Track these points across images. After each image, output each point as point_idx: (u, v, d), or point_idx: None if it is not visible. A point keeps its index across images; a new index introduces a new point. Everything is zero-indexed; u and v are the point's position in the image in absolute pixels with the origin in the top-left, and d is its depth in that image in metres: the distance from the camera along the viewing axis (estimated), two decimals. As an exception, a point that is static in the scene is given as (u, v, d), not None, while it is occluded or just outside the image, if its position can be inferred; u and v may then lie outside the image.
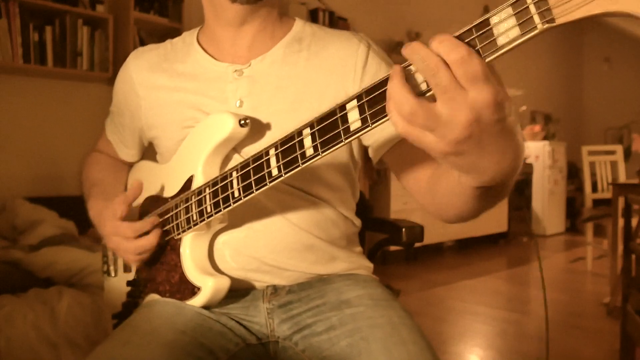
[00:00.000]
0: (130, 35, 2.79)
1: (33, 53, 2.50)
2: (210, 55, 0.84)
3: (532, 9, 0.44)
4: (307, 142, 0.59)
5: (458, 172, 0.53)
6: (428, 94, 0.47)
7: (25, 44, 2.48)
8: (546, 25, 0.44)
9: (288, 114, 0.78)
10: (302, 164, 0.60)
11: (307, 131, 0.59)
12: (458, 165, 0.51)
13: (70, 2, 2.61)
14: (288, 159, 0.61)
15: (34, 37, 2.51)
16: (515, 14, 0.45)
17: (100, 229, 0.82)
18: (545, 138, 6.14)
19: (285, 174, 0.62)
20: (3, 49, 2.40)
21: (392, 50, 4.82)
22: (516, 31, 0.45)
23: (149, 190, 0.86)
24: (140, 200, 0.87)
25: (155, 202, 0.84)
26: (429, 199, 0.72)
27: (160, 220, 0.80)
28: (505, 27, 0.45)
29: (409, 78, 0.48)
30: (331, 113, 0.56)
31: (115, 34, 2.78)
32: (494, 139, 0.47)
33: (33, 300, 1.49)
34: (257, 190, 0.66)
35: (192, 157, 0.78)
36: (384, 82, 0.51)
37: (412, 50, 0.45)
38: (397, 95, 0.46)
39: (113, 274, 0.93)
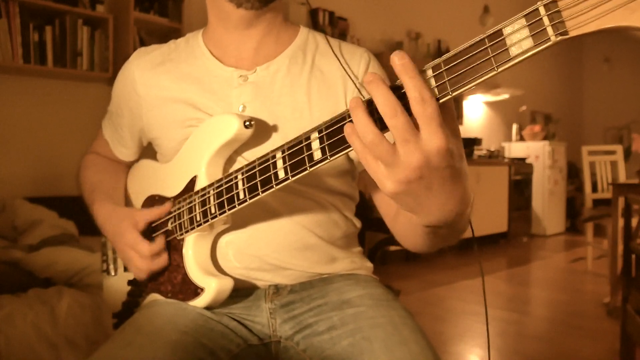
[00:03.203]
0: (130, 35, 2.79)
1: (33, 53, 2.50)
2: (215, 57, 0.84)
3: (546, 20, 0.44)
4: (315, 145, 0.59)
5: (407, 211, 0.56)
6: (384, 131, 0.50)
7: (25, 44, 2.48)
8: (559, 38, 0.44)
9: (289, 121, 0.79)
10: (310, 167, 0.59)
11: (315, 135, 0.59)
12: (406, 204, 0.54)
13: (70, 2, 2.61)
14: (295, 161, 0.61)
15: (34, 37, 2.51)
16: (528, 25, 0.45)
17: (113, 237, 0.82)
18: (545, 138, 6.14)
19: (293, 176, 0.61)
20: (3, 49, 2.39)
21: (393, 50, 4.81)
22: (529, 42, 0.45)
23: (151, 190, 0.86)
24: (141, 199, 0.87)
25: (157, 201, 0.84)
26: (392, 225, 0.78)
27: (164, 230, 0.81)
28: (518, 38, 0.45)
29: (372, 112, 0.50)
30: (340, 118, 0.57)
31: (115, 34, 2.78)
32: (442, 183, 0.50)
33: (33, 300, 1.49)
34: (262, 192, 0.65)
35: (196, 158, 0.78)
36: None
37: (375, 86, 0.48)
38: (361, 124, 0.49)
39: (113, 273, 0.93)
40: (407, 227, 0.70)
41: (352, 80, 0.80)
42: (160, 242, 0.78)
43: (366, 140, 0.49)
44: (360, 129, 0.49)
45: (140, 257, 0.78)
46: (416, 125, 0.48)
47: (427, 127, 0.47)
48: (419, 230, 0.61)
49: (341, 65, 0.81)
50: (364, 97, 0.53)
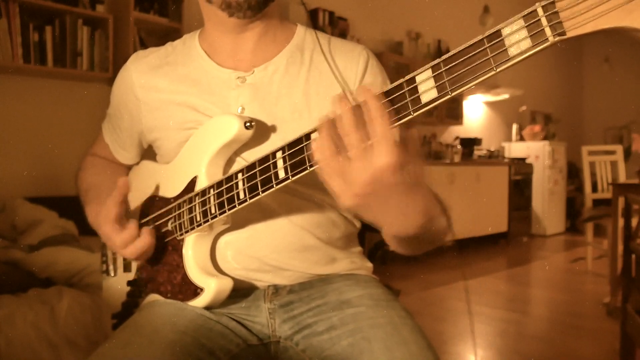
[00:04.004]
0: (130, 35, 2.79)
1: (33, 53, 2.50)
2: (212, 59, 0.84)
3: (544, 21, 0.45)
4: (315, 145, 0.59)
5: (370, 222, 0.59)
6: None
7: (25, 44, 2.48)
8: (557, 38, 0.44)
9: (288, 122, 0.79)
10: (310, 166, 0.60)
11: (315, 135, 0.59)
12: (365, 216, 0.56)
13: (70, 2, 2.61)
14: (295, 161, 0.61)
15: (34, 37, 2.51)
16: (527, 26, 0.46)
17: (99, 233, 0.82)
18: (545, 138, 6.15)
19: (293, 176, 0.62)
20: (3, 49, 2.40)
21: (393, 50, 4.82)
22: (527, 43, 0.45)
23: (151, 191, 0.86)
24: (140, 200, 0.87)
25: (157, 202, 0.84)
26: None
27: (149, 218, 0.81)
28: (516, 39, 0.46)
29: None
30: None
31: (115, 34, 2.78)
32: (396, 197, 0.53)
33: (33, 300, 1.49)
34: (263, 192, 0.65)
35: (196, 158, 0.78)
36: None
37: (340, 105, 0.52)
38: (321, 141, 0.53)
39: (112, 274, 0.93)
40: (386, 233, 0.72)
41: (340, 85, 0.80)
42: (131, 228, 0.76)
43: (323, 157, 0.53)
44: (319, 145, 0.53)
45: (117, 246, 0.77)
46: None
47: (379, 145, 0.49)
48: (390, 238, 0.64)
49: (331, 69, 0.81)
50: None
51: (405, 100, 0.52)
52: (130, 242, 0.77)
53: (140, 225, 0.82)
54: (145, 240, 0.77)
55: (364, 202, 0.53)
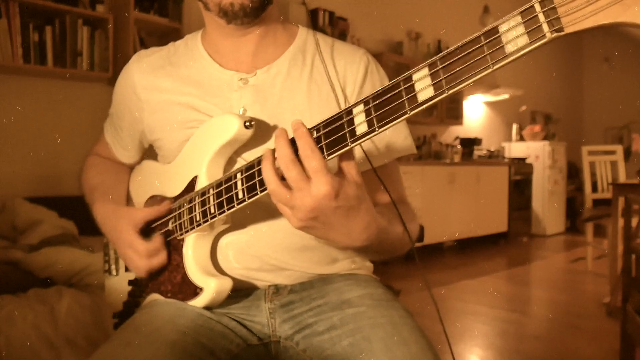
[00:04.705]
0: (130, 35, 2.79)
1: (33, 53, 2.50)
2: (214, 60, 0.84)
3: (541, 17, 0.44)
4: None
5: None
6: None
7: (25, 44, 2.48)
8: (555, 35, 0.44)
9: (289, 124, 0.78)
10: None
11: (313, 135, 0.59)
12: (315, 235, 0.63)
13: (70, 2, 2.61)
14: None
15: (34, 37, 2.51)
16: (524, 22, 0.45)
17: (112, 235, 0.82)
18: (545, 138, 6.14)
19: None
20: (3, 49, 2.39)
21: (393, 50, 4.82)
22: (525, 39, 0.45)
23: (152, 190, 0.86)
24: (143, 200, 0.87)
25: (158, 202, 0.84)
26: None
27: (164, 230, 0.81)
28: (513, 35, 0.45)
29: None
30: (338, 117, 0.58)
31: (115, 34, 2.78)
32: (337, 220, 0.59)
33: (33, 300, 1.49)
34: (261, 192, 0.66)
35: (196, 158, 0.78)
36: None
37: (278, 141, 0.58)
38: (265, 175, 0.60)
39: (114, 273, 0.93)
40: None
41: (333, 90, 0.80)
42: (157, 240, 0.78)
43: (269, 189, 0.59)
44: (265, 178, 0.60)
45: (138, 255, 0.78)
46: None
47: (315, 177, 0.56)
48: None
49: (328, 78, 0.81)
50: (360, 98, 0.57)
51: (402, 99, 0.52)
52: (146, 256, 0.78)
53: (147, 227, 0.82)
54: (163, 256, 0.79)
55: (309, 225, 0.60)
